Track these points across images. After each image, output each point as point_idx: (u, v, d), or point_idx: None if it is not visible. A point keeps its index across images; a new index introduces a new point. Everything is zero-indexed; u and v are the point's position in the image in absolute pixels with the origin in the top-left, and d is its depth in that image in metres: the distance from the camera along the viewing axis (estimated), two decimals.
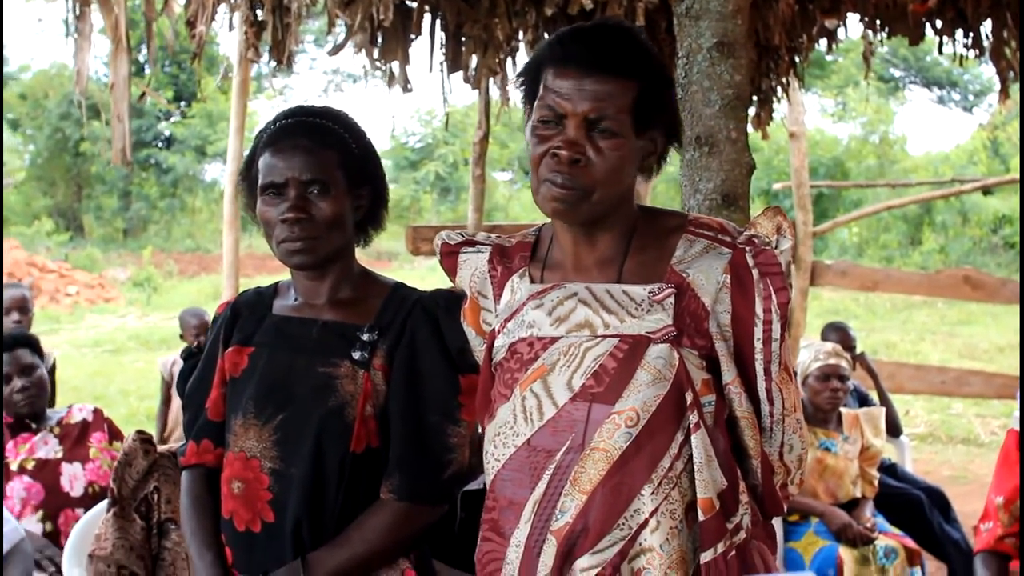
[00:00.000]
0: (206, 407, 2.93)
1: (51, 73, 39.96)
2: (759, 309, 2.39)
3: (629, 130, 2.38)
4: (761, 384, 2.44)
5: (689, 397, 2.36)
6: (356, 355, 2.79)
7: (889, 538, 5.78)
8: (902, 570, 5.67)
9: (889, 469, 6.74)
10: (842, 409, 6.09)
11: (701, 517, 2.35)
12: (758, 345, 2.41)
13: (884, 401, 7.40)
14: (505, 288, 2.59)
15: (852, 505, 5.93)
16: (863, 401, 7.21)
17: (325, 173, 2.78)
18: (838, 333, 7.64)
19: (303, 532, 2.76)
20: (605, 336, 2.40)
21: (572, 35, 2.42)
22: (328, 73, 45.27)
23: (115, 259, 32.05)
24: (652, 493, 2.34)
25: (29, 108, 40.08)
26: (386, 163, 38.04)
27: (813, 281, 11.48)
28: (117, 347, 19.66)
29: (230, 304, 3.03)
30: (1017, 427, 4.12)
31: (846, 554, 5.63)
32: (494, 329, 2.57)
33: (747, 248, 2.41)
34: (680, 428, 2.36)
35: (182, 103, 39.37)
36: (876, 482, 6.06)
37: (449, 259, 2.72)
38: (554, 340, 2.45)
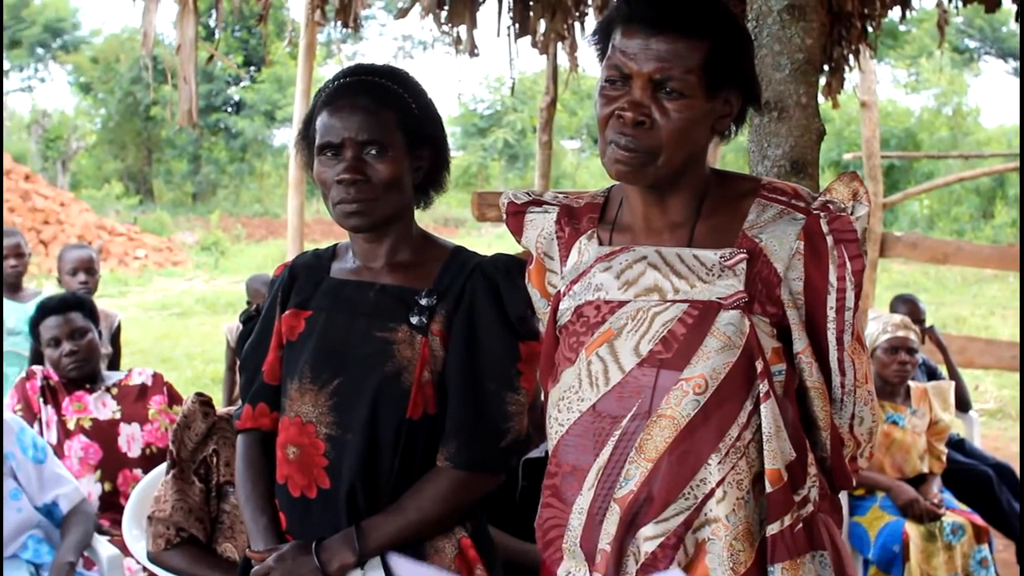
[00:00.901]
0: (263, 370, 2.89)
1: (122, 37, 40.37)
2: (833, 277, 2.33)
3: (698, 91, 2.31)
4: (833, 354, 2.39)
5: (759, 365, 2.30)
6: (414, 320, 2.74)
7: (956, 515, 5.71)
8: (969, 547, 5.61)
9: (957, 445, 6.67)
10: (910, 383, 6.02)
11: (768, 489, 2.31)
12: (831, 314, 2.35)
13: (953, 375, 7.30)
14: (572, 249, 2.54)
15: (919, 480, 5.87)
16: (932, 375, 7.13)
17: (383, 133, 2.72)
18: (907, 305, 7.55)
19: (358, 499, 2.73)
20: (675, 301, 2.35)
21: None
22: (398, 39, 45.45)
23: (183, 223, 32.40)
24: (719, 462, 2.29)
25: (100, 72, 40.56)
26: (454, 130, 38.43)
27: (883, 253, 11.36)
28: (184, 310, 19.83)
29: (288, 266, 2.99)
30: None
31: (912, 530, 5.57)
32: (559, 291, 2.52)
33: (822, 214, 2.35)
34: (749, 397, 2.31)
35: (251, 68, 39.65)
36: (944, 457, 6.00)
37: (515, 219, 2.66)
38: (622, 304, 2.40)
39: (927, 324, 7.73)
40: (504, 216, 2.69)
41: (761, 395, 2.30)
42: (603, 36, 2.41)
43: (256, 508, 2.86)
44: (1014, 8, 7.67)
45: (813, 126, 3.63)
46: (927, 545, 5.56)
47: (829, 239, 2.33)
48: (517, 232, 2.66)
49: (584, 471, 2.39)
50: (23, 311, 6.71)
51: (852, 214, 2.34)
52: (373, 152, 2.71)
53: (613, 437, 2.35)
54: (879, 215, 11.41)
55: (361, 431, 2.71)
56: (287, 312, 2.88)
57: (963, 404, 7.12)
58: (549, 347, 2.55)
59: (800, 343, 2.36)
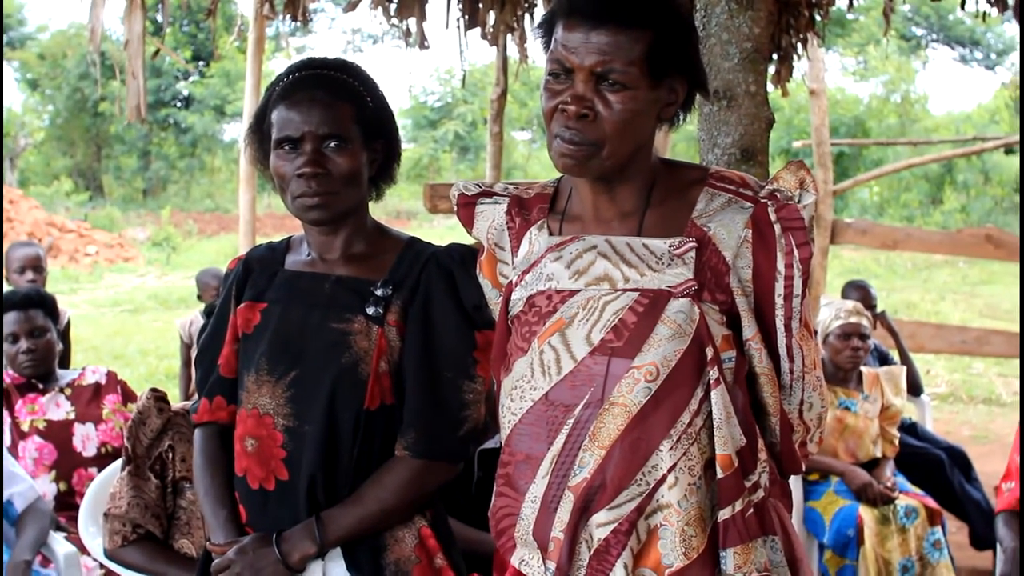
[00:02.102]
0: (218, 364, 2.89)
1: (69, 33, 40.01)
2: (780, 264, 2.34)
3: (641, 81, 2.31)
4: (781, 340, 2.40)
5: (709, 352, 2.31)
6: (370, 311, 2.75)
7: (910, 498, 5.76)
8: (923, 530, 5.65)
9: (910, 428, 6.74)
10: (862, 368, 6.06)
11: (720, 474, 2.31)
12: (779, 301, 2.36)
13: (905, 360, 7.37)
14: (523, 240, 2.54)
15: (872, 465, 5.92)
16: (883, 360, 7.19)
17: (342, 127, 2.73)
18: (859, 291, 7.61)
19: (317, 490, 2.73)
20: (625, 290, 2.36)
21: None
22: (347, 32, 45.29)
23: (134, 219, 32.19)
24: (670, 449, 2.30)
25: (48, 68, 40.16)
26: (405, 122, 38.26)
27: (833, 239, 11.42)
28: (136, 307, 19.72)
29: (242, 260, 2.99)
30: None
31: (866, 513, 5.61)
32: (511, 282, 2.53)
33: (769, 202, 2.35)
34: (700, 384, 2.32)
35: (200, 63, 39.41)
36: (896, 441, 6.05)
37: (466, 210, 2.67)
38: (573, 293, 2.40)
39: (878, 310, 7.79)
40: (455, 208, 2.70)
41: (711, 382, 2.31)
42: (547, 30, 2.41)
43: (216, 501, 2.86)
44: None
45: (762, 114, 3.64)
46: (881, 528, 5.60)
47: (777, 227, 2.34)
48: (468, 223, 2.67)
49: (538, 460, 2.40)
50: None
51: (799, 202, 2.35)
52: (333, 145, 2.72)
53: (566, 426, 2.36)
54: (829, 202, 11.46)
55: (319, 422, 2.72)
56: (242, 305, 2.88)
57: (915, 388, 7.19)
58: (501, 337, 2.55)
59: (749, 330, 2.37)
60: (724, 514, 2.32)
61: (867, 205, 28.93)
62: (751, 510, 2.35)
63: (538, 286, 2.45)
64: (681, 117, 2.47)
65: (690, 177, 2.45)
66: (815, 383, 2.47)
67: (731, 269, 2.35)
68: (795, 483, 5.80)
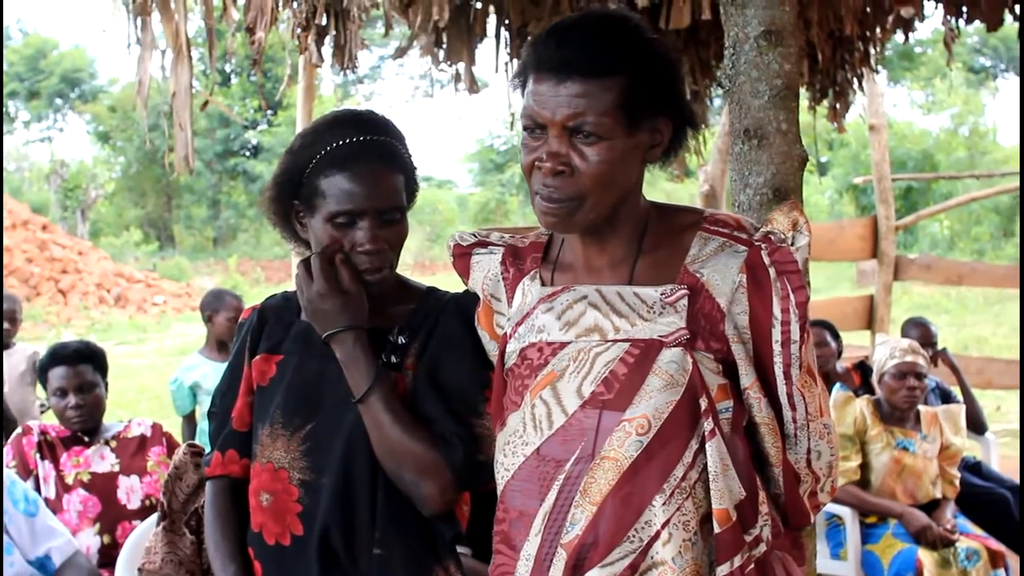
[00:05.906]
0: (232, 416, 2.85)
1: None
2: (776, 309, 2.27)
3: (618, 129, 2.24)
4: (782, 388, 2.32)
5: (704, 403, 2.24)
6: (388, 359, 2.70)
7: (971, 539, 5.65)
8: (985, 572, 5.55)
9: (973, 467, 6.61)
10: (920, 407, 5.94)
11: (717, 529, 2.24)
12: (776, 347, 2.29)
13: (967, 398, 7.24)
14: (517, 291, 2.49)
15: (932, 506, 5.80)
16: (946, 398, 7.06)
17: (400, 199, 2.72)
18: (918, 329, 7.49)
19: (333, 543, 2.67)
20: (615, 341, 2.29)
21: (547, 36, 2.29)
22: (414, 78, 45.67)
23: (203, 268, 32.53)
24: (664, 504, 2.23)
25: (119, 120, 40.80)
26: (472, 166, 38.35)
27: (897, 276, 11.32)
28: None
29: (256, 310, 2.95)
30: None
31: (926, 557, 5.51)
32: (506, 333, 2.47)
33: (763, 245, 2.28)
34: (694, 436, 2.24)
35: (268, 111, 39.90)
36: (957, 482, 5.94)
37: (462, 260, 2.62)
38: (564, 345, 2.34)
39: (940, 346, 7.66)
40: (451, 258, 2.65)
41: (706, 433, 2.24)
42: (522, 83, 2.34)
43: (225, 556, 2.82)
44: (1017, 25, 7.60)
45: (795, 152, 3.57)
46: (941, 572, 5.49)
47: (771, 271, 2.27)
48: (464, 274, 2.62)
49: (531, 516, 2.33)
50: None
51: (792, 244, 2.29)
52: (395, 218, 2.70)
53: (557, 481, 2.30)
54: (892, 238, 11.33)
55: (336, 473, 2.67)
56: (257, 357, 2.84)
57: (978, 426, 7.06)
58: (498, 391, 2.49)
59: (747, 378, 2.30)
60: (722, 570, 2.24)
61: (938, 239, 28.70)
62: (752, 566, 2.27)
63: (530, 338, 2.40)
64: (672, 156, 2.39)
65: (684, 221, 2.39)
66: (822, 431, 2.39)
67: (727, 315, 2.28)
68: (852, 526, 5.70)
